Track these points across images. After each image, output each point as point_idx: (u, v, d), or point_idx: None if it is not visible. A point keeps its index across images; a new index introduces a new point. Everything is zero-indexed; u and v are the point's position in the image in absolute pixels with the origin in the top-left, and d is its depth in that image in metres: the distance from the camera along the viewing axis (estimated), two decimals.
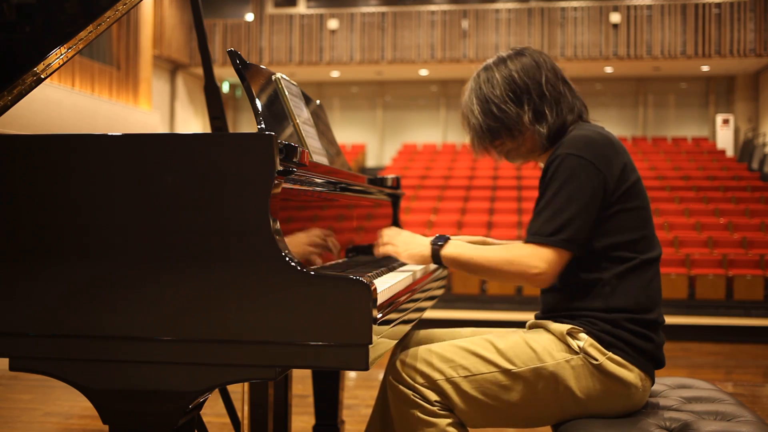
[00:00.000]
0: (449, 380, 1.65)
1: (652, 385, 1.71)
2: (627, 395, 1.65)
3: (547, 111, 1.76)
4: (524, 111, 1.77)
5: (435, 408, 1.65)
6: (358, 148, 15.82)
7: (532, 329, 1.78)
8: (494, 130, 1.80)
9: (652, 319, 1.69)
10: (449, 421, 1.65)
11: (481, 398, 1.64)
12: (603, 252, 1.68)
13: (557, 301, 1.74)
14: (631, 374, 1.64)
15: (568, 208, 1.63)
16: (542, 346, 1.67)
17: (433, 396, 1.65)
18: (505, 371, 1.65)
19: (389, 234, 1.85)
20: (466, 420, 1.68)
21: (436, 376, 1.65)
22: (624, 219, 1.68)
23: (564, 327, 1.67)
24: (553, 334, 1.69)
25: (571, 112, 1.79)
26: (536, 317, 1.83)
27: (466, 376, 1.65)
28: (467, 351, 1.68)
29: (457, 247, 1.73)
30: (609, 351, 1.64)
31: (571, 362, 1.64)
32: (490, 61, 1.85)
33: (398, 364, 1.69)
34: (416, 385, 1.65)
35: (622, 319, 1.66)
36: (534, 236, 1.65)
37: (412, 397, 1.65)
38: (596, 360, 1.63)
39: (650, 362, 1.69)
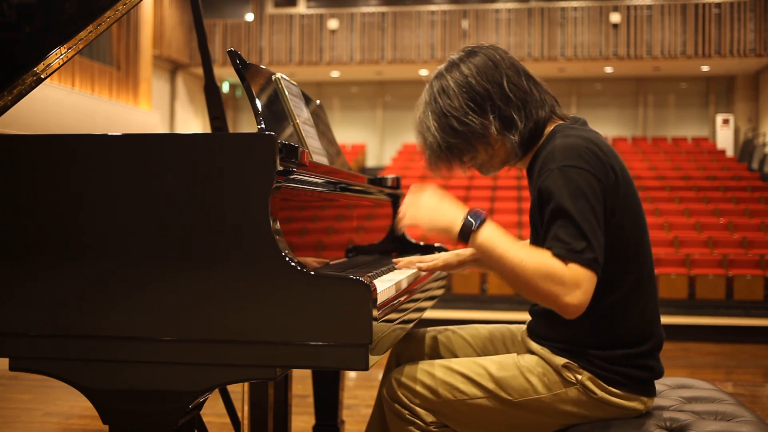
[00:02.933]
0: (446, 402, 1.62)
1: (654, 396, 1.66)
2: (629, 414, 1.61)
3: (515, 115, 1.58)
4: (489, 121, 1.58)
5: (431, 427, 1.63)
6: (358, 148, 15.82)
7: (528, 355, 1.67)
8: (457, 147, 1.60)
9: (652, 346, 1.61)
10: None
11: (479, 418, 1.62)
12: (603, 274, 1.48)
13: (551, 332, 1.63)
14: (631, 403, 1.60)
15: (583, 223, 1.43)
16: (538, 378, 1.60)
17: (429, 417, 1.63)
18: (502, 400, 1.60)
19: (414, 196, 1.63)
20: None
21: (433, 398, 1.62)
22: (621, 235, 1.54)
23: (561, 361, 1.59)
24: (549, 365, 1.62)
25: (542, 108, 1.61)
26: (530, 335, 1.72)
27: (463, 400, 1.61)
28: (463, 376, 1.62)
29: (496, 234, 1.48)
30: (609, 386, 1.57)
31: (569, 393, 1.59)
32: (441, 67, 1.65)
33: (394, 383, 1.65)
34: (412, 405, 1.63)
35: (621, 356, 1.57)
36: (575, 255, 1.42)
37: (408, 416, 1.63)
38: (595, 394, 1.57)
39: (651, 384, 1.63)
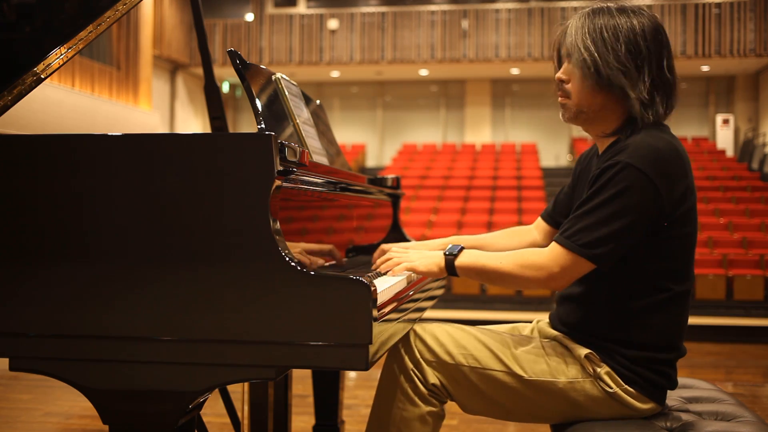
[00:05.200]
0: (457, 366, 1.63)
1: (663, 405, 1.67)
2: (635, 416, 1.62)
3: (657, 99, 1.58)
4: (643, 81, 1.56)
5: (426, 392, 1.63)
6: (358, 148, 15.82)
7: (548, 340, 1.71)
8: (606, 77, 1.56)
9: (674, 356, 1.62)
10: (430, 410, 1.63)
11: (484, 390, 1.64)
12: (645, 279, 1.58)
13: (579, 318, 1.66)
14: (644, 405, 1.61)
15: (611, 223, 1.49)
16: (557, 362, 1.63)
17: (432, 378, 1.63)
18: (515, 375, 1.62)
19: (397, 250, 1.76)
20: (464, 406, 1.68)
21: (446, 358, 1.64)
22: (673, 246, 1.57)
23: (583, 351, 1.62)
24: (570, 353, 1.65)
25: (668, 109, 1.62)
26: (552, 325, 1.76)
27: (474, 367, 1.63)
28: (482, 343, 1.65)
29: (471, 255, 1.63)
30: (626, 385, 1.59)
31: (583, 383, 1.61)
32: (612, 5, 1.62)
33: (412, 334, 1.67)
34: (421, 361, 1.64)
35: (643, 358, 1.59)
36: (566, 240, 1.53)
37: (411, 371, 1.64)
38: (610, 388, 1.59)
39: (664, 392, 1.64)
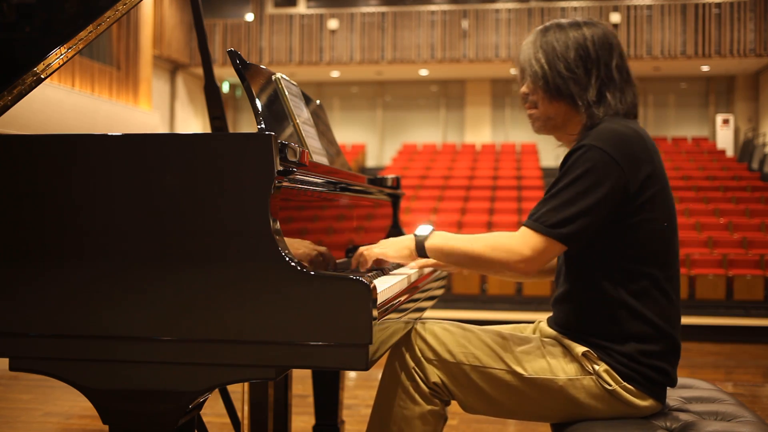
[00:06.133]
0: (458, 364, 1.64)
1: (663, 403, 1.67)
2: (636, 414, 1.63)
3: (609, 96, 1.65)
4: (591, 84, 1.65)
5: (427, 391, 1.64)
6: (358, 148, 15.82)
7: (548, 339, 1.73)
8: (554, 88, 1.67)
9: (666, 348, 1.62)
10: (432, 408, 1.64)
11: (485, 389, 1.64)
12: (623, 265, 1.60)
13: (570, 318, 1.68)
14: (644, 402, 1.61)
15: (578, 202, 1.53)
16: (556, 360, 1.64)
17: (433, 376, 1.64)
18: (515, 373, 1.63)
19: (368, 246, 1.79)
20: (465, 405, 1.68)
21: (447, 356, 1.65)
22: (648, 230, 1.59)
23: (581, 349, 1.63)
24: (568, 351, 1.66)
25: (622, 104, 1.66)
26: (549, 324, 1.78)
27: (475, 366, 1.64)
28: (483, 342, 1.66)
29: (442, 237, 1.68)
30: (625, 382, 1.60)
31: (583, 381, 1.61)
32: (563, 21, 1.73)
33: (413, 332, 1.68)
34: (422, 359, 1.65)
35: (638, 352, 1.59)
36: (534, 222, 1.56)
37: (412, 369, 1.65)
38: (610, 386, 1.60)
39: (664, 390, 1.65)
